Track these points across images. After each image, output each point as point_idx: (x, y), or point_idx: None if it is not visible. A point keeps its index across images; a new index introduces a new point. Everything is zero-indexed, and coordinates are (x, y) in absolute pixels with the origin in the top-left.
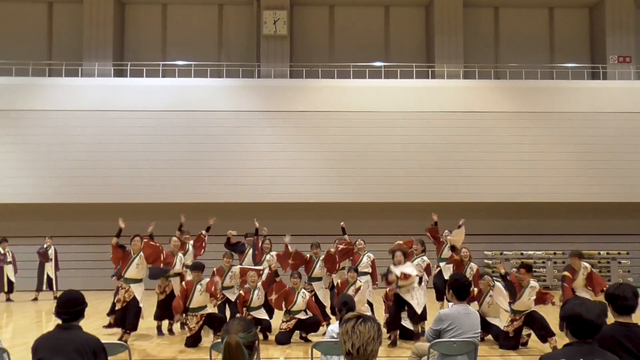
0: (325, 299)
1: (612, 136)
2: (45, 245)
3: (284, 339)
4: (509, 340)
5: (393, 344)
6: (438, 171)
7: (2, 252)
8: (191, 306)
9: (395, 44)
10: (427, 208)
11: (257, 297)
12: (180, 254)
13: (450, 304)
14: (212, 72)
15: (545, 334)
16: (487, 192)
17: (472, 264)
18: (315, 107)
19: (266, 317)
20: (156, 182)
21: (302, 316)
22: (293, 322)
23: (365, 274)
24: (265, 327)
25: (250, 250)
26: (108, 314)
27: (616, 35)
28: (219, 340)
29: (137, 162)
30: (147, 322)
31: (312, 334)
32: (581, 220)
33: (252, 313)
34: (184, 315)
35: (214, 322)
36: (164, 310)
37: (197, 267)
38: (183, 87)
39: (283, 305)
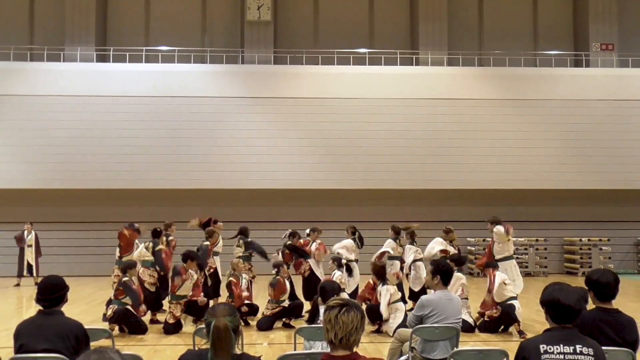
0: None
1: (595, 123)
2: (24, 231)
3: (266, 325)
4: (489, 325)
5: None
6: (422, 158)
7: None
8: (178, 293)
9: (380, 31)
10: (411, 195)
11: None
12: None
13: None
14: (196, 58)
15: (511, 319)
16: (469, 179)
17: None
18: (299, 93)
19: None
20: (139, 168)
21: (286, 304)
22: (278, 309)
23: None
24: (252, 312)
25: None
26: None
27: (599, 23)
28: (202, 325)
29: (119, 148)
30: None
31: (295, 320)
32: (563, 207)
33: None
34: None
35: (195, 310)
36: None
37: (191, 257)
38: (166, 72)
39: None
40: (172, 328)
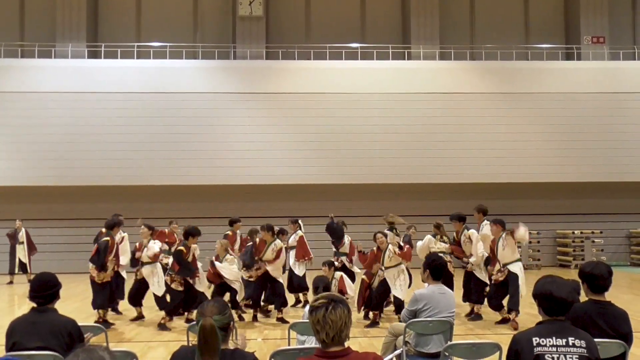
0: None
1: (587, 116)
2: (15, 228)
3: (254, 293)
4: (495, 293)
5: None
6: (414, 152)
7: None
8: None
9: (372, 25)
10: (404, 189)
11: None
12: None
13: (426, 284)
14: (188, 54)
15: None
16: (462, 173)
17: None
18: (291, 88)
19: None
20: (131, 165)
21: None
22: (261, 271)
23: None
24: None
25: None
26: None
27: (590, 16)
28: (195, 322)
29: (112, 145)
30: (124, 303)
31: (285, 310)
32: (555, 200)
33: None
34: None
35: (192, 301)
36: None
37: (195, 233)
38: (158, 68)
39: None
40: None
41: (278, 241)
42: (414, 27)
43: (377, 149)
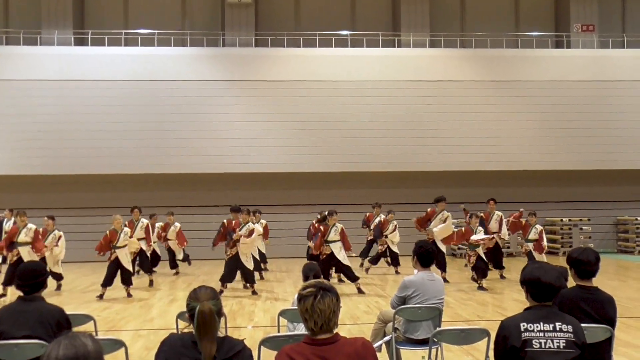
0: None
1: (576, 104)
2: (4, 218)
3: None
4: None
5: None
6: (404, 140)
7: None
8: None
9: (362, 13)
10: (394, 177)
11: None
12: None
13: (415, 271)
14: (176, 41)
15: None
16: (452, 161)
17: None
18: (281, 76)
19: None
20: (119, 153)
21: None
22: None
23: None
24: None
25: None
26: None
27: (580, 4)
28: (184, 310)
29: (99, 133)
30: (115, 290)
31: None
32: (544, 188)
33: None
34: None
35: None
36: None
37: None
38: (146, 56)
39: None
40: None
41: (250, 223)
42: (404, 14)
43: (367, 137)
